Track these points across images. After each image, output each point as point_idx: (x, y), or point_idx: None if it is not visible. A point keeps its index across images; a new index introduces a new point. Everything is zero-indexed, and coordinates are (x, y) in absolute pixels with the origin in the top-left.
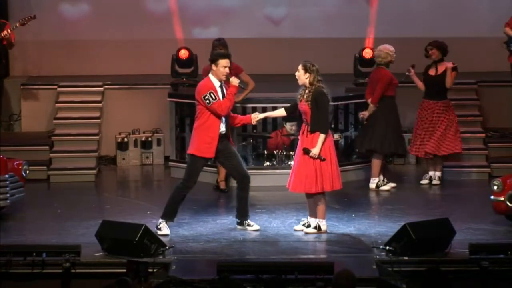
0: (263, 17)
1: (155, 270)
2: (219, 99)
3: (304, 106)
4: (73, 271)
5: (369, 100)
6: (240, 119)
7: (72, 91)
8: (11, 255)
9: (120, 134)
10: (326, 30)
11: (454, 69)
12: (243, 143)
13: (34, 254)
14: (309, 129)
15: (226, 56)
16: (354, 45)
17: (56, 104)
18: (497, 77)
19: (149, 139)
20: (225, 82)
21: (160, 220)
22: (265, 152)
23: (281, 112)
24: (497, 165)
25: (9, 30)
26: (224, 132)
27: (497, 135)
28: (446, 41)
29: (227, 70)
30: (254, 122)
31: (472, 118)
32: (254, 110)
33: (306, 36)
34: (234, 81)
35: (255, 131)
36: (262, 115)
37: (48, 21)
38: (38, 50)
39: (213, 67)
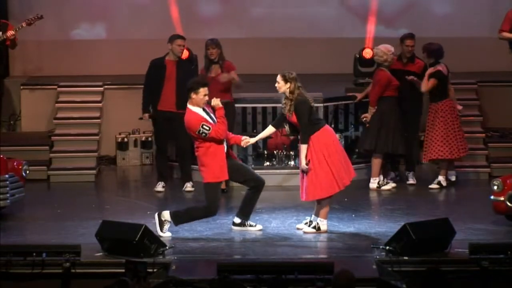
0: (263, 17)
1: (155, 270)
2: (212, 125)
3: (292, 118)
4: (73, 271)
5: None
6: (230, 137)
7: (72, 91)
8: (11, 255)
9: (120, 134)
10: (326, 30)
11: (431, 75)
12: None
13: (34, 254)
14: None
15: (206, 84)
16: (354, 45)
17: (56, 104)
18: (497, 77)
19: (149, 139)
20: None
21: (168, 220)
22: (265, 152)
23: (270, 130)
24: (497, 165)
25: (12, 31)
26: (226, 150)
27: (497, 135)
28: (446, 41)
29: (206, 98)
30: (243, 145)
31: (472, 118)
32: (254, 110)
33: (305, 36)
34: (216, 102)
35: (255, 131)
36: (252, 140)
37: (48, 21)
38: (38, 50)
39: (193, 95)
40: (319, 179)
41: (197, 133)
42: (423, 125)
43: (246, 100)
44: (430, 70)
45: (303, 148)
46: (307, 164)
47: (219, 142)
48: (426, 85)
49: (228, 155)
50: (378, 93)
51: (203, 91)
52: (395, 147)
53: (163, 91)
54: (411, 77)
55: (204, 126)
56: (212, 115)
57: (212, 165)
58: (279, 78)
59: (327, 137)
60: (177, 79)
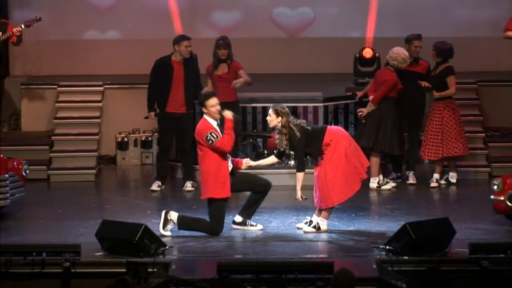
0: (263, 16)
1: (155, 269)
2: (220, 136)
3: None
4: (73, 270)
5: (371, 97)
6: (231, 160)
7: (72, 90)
8: (11, 254)
9: (120, 133)
10: (326, 30)
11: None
12: (243, 143)
13: (34, 253)
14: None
15: (213, 94)
16: (354, 45)
17: (56, 104)
18: (497, 76)
19: (149, 138)
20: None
21: (174, 221)
22: (265, 152)
23: (272, 159)
24: (497, 164)
25: (19, 28)
26: (231, 169)
27: (497, 135)
28: (446, 41)
29: (217, 107)
30: (243, 167)
31: (472, 117)
32: (254, 109)
33: (306, 36)
34: (228, 114)
35: (255, 130)
36: (253, 163)
37: (48, 20)
38: (38, 50)
39: (204, 109)
40: (335, 185)
41: (204, 139)
42: (423, 126)
43: (246, 99)
44: (441, 70)
45: (300, 176)
46: (304, 199)
47: (223, 157)
48: (452, 86)
49: (232, 170)
50: (384, 92)
51: (211, 101)
52: (391, 147)
53: (171, 92)
54: (425, 83)
55: (212, 134)
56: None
57: (215, 183)
58: (271, 111)
59: (337, 137)
60: (185, 79)
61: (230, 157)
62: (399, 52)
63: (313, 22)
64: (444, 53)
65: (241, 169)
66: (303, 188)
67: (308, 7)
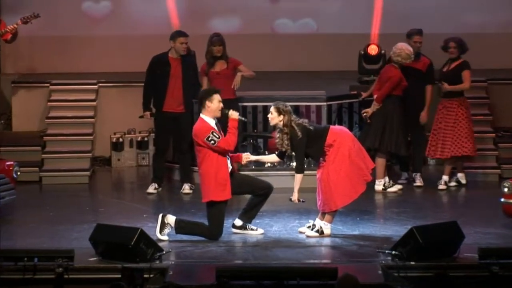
0: (264, 13)
1: (151, 275)
2: (222, 136)
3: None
4: (66, 276)
5: (375, 96)
6: (231, 155)
7: (65, 89)
8: (1, 260)
9: (115, 134)
10: (330, 26)
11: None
12: (244, 143)
13: (25, 259)
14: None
15: (217, 91)
16: (359, 42)
17: (49, 103)
18: (508, 74)
19: (145, 139)
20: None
21: (171, 225)
22: (266, 153)
23: (273, 158)
24: (507, 166)
25: (15, 25)
26: (231, 169)
27: (507, 135)
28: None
29: (221, 104)
30: (243, 162)
31: (482, 117)
32: (254, 109)
33: (309, 32)
34: (234, 114)
35: (255, 130)
36: (253, 158)
37: (41, 17)
38: (30, 47)
39: (208, 103)
40: (339, 187)
41: (205, 139)
42: (429, 125)
43: (247, 98)
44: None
45: (298, 178)
46: (302, 201)
47: (223, 158)
48: (467, 81)
49: (232, 172)
50: (388, 90)
51: (216, 97)
52: (398, 147)
53: (168, 90)
54: (445, 85)
55: (214, 134)
56: (221, 132)
57: (215, 185)
58: (272, 109)
59: (341, 137)
60: (184, 77)
61: (229, 157)
62: (403, 48)
63: (314, 34)
64: (465, 48)
65: (241, 163)
66: (305, 190)
67: (311, 18)
